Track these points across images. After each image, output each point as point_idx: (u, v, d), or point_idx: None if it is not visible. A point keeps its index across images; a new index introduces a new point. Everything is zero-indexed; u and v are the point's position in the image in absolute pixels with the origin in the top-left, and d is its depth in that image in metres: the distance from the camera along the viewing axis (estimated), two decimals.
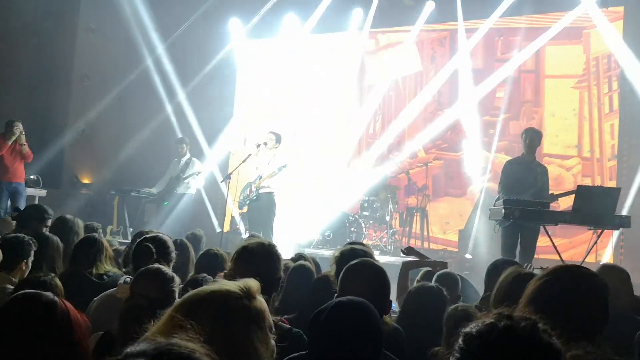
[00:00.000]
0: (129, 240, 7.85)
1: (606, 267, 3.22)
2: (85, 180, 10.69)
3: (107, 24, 10.69)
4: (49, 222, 4.79)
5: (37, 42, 10.21)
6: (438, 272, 3.84)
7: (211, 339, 1.29)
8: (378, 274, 2.44)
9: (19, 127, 7.77)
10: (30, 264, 3.43)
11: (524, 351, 1.13)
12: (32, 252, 3.45)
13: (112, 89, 10.51)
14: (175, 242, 4.36)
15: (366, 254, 2.99)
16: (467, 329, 1.20)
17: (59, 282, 2.71)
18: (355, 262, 2.51)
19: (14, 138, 7.72)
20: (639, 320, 2.94)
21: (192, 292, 1.57)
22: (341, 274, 2.46)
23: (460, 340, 1.19)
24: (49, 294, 1.70)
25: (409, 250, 4.66)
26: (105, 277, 3.59)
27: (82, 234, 4.36)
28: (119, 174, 10.27)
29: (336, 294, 2.36)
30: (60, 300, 1.71)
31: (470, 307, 2.75)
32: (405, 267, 4.20)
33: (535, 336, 1.15)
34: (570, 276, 1.88)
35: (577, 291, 1.82)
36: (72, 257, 3.66)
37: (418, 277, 4.12)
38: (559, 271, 1.91)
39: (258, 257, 2.51)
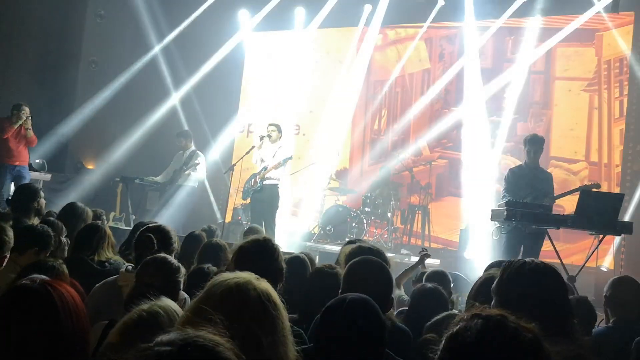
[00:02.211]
0: (131, 227, 7.92)
1: (621, 281, 3.13)
2: (90, 166, 10.73)
3: (117, 11, 10.70)
4: (42, 196, 4.86)
5: (45, 27, 10.22)
6: (428, 272, 3.91)
7: (239, 331, 1.35)
8: (383, 272, 2.47)
9: (25, 112, 7.79)
10: (50, 250, 3.44)
11: (501, 344, 1.20)
12: (52, 242, 3.45)
13: (119, 76, 10.51)
14: (192, 233, 4.43)
15: (372, 251, 2.99)
16: (448, 332, 1.26)
17: (65, 268, 2.73)
18: (360, 259, 2.55)
19: (20, 122, 7.75)
20: None
21: (217, 283, 1.62)
22: (345, 270, 2.50)
23: (443, 342, 1.26)
24: (44, 284, 1.68)
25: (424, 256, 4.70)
26: (107, 264, 3.62)
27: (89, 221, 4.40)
28: (123, 161, 10.30)
29: (340, 290, 2.38)
30: (59, 287, 1.70)
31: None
32: (396, 283, 4.23)
33: (509, 330, 1.21)
34: (523, 272, 1.94)
35: (533, 286, 1.88)
36: (75, 243, 3.69)
37: (414, 279, 4.17)
38: (510, 268, 1.97)
39: (255, 255, 2.54)
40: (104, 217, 5.81)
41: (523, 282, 1.89)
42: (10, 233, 3.29)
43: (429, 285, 3.31)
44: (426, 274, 3.93)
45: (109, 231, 3.80)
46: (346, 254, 3.04)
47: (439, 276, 3.79)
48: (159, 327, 1.63)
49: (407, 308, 3.34)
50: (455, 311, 2.99)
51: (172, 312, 1.83)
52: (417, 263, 4.65)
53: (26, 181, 7.80)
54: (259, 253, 2.57)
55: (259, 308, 1.59)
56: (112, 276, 3.14)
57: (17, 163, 7.87)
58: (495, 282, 1.99)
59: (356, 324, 1.84)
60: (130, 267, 3.13)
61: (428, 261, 4.92)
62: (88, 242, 3.62)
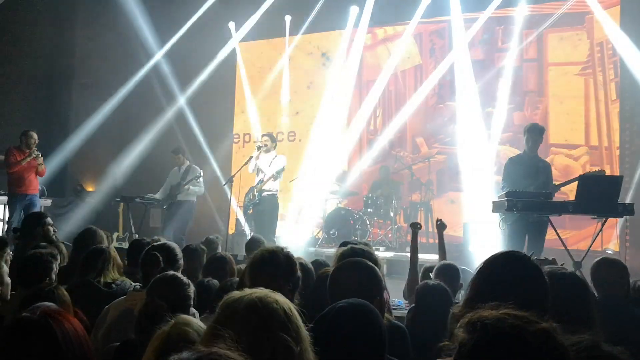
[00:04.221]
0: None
1: (601, 262, 3.31)
2: (90, 189, 10.75)
3: (106, 32, 10.73)
4: (50, 221, 4.91)
5: (37, 52, 10.25)
6: (438, 265, 3.89)
7: (252, 345, 1.35)
8: (366, 274, 2.38)
9: (34, 139, 7.80)
10: (54, 277, 3.46)
11: (510, 345, 1.20)
12: (55, 265, 3.47)
13: (112, 97, 10.55)
14: (189, 247, 4.43)
15: (364, 253, 2.97)
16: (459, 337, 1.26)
17: (64, 292, 2.74)
18: (342, 264, 2.50)
19: (33, 155, 7.78)
20: (632, 309, 3.02)
21: (236, 299, 1.64)
22: (330, 276, 2.43)
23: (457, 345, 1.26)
24: (45, 316, 1.68)
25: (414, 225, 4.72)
26: (113, 285, 3.63)
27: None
28: (122, 181, 10.32)
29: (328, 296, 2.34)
30: (60, 318, 1.70)
31: None
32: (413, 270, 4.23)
33: (524, 333, 1.21)
34: (500, 263, 1.96)
35: (509, 276, 1.91)
36: (82, 267, 3.70)
37: (420, 275, 4.16)
38: (490, 259, 1.99)
39: (271, 266, 2.53)
40: (110, 239, 5.82)
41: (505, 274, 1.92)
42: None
43: (432, 282, 3.31)
44: (436, 267, 3.89)
45: (114, 253, 3.81)
46: (338, 256, 3.02)
47: (449, 270, 3.76)
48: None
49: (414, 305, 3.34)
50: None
51: (199, 328, 1.83)
52: (440, 240, 4.66)
53: (37, 209, 7.84)
54: (272, 265, 2.54)
55: (285, 318, 1.61)
56: (119, 297, 3.15)
57: (28, 192, 7.89)
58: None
59: (344, 332, 1.80)
60: (138, 287, 3.15)
61: (434, 258, 4.91)
62: (94, 264, 3.64)
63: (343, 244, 3.63)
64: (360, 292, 2.19)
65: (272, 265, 2.55)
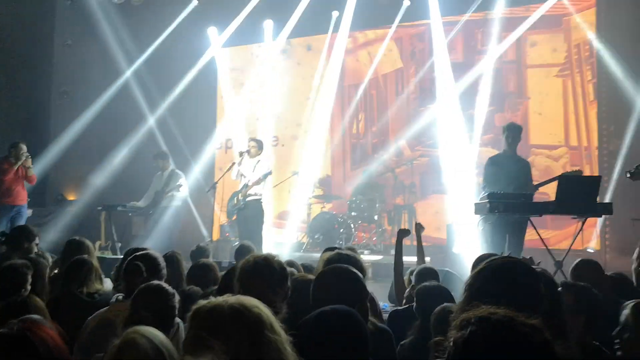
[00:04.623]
0: (118, 255, 7.87)
1: (580, 264, 3.44)
2: (71, 198, 10.64)
3: (84, 39, 10.65)
4: (37, 240, 5.00)
5: (15, 61, 10.14)
6: (417, 269, 3.90)
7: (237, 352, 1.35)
8: (349, 280, 2.39)
9: (23, 150, 7.75)
10: (28, 288, 3.43)
11: (502, 343, 1.23)
12: (29, 277, 3.45)
13: (92, 104, 10.46)
14: (164, 255, 4.38)
15: (350, 259, 2.98)
16: (456, 335, 1.27)
17: (38, 301, 2.71)
18: (326, 270, 2.51)
19: (20, 162, 7.70)
20: (620, 301, 3.07)
21: (210, 307, 1.63)
22: (314, 281, 2.44)
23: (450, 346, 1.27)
24: (23, 329, 1.67)
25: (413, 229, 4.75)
26: (96, 295, 3.62)
27: (93, 255, 4.37)
28: (104, 189, 10.23)
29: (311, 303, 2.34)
30: (37, 331, 1.69)
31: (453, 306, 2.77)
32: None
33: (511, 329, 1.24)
34: (496, 267, 1.98)
35: (504, 280, 1.93)
36: (64, 278, 3.69)
37: (406, 277, 4.17)
38: (487, 264, 2.01)
39: (260, 274, 2.52)
40: (93, 248, 5.78)
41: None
42: None
43: (429, 283, 3.31)
44: (415, 271, 3.90)
45: (96, 263, 3.79)
46: (324, 261, 3.03)
47: (428, 273, 3.77)
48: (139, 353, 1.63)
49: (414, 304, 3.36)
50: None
51: (155, 337, 1.81)
52: (418, 242, 4.67)
53: (24, 219, 7.83)
54: (266, 272, 2.55)
55: (270, 324, 1.61)
56: (102, 308, 3.13)
57: (16, 203, 7.84)
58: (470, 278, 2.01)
59: (326, 337, 1.79)
60: (120, 297, 3.12)
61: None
62: (76, 275, 3.62)
63: (329, 249, 3.63)
64: (343, 297, 2.20)
65: (267, 273, 2.55)
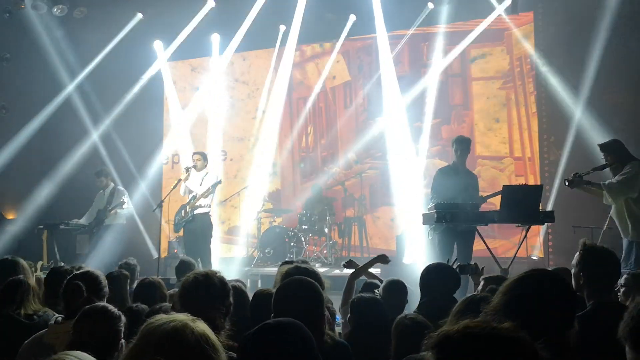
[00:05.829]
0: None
1: (563, 272, 3.28)
2: (10, 216, 10.21)
3: (24, 53, 10.29)
4: None
5: None
6: (386, 283, 3.84)
7: None
8: (311, 291, 2.41)
9: None
10: None
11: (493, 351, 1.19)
12: None
13: (32, 120, 10.11)
14: (111, 274, 4.24)
15: (309, 272, 2.98)
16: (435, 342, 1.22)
17: None
18: (288, 282, 2.50)
19: None
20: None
21: (153, 328, 1.59)
22: (274, 294, 2.43)
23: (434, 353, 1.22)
24: None
25: (349, 264, 4.69)
26: (35, 317, 3.45)
27: (28, 275, 4.16)
28: (45, 207, 9.87)
29: (272, 315, 2.34)
30: None
31: (418, 316, 2.77)
32: (353, 277, 4.21)
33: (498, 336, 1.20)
34: (535, 281, 1.90)
35: (542, 295, 1.83)
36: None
37: (359, 289, 4.16)
38: (524, 276, 1.92)
39: (202, 292, 2.46)
40: (31, 269, 5.52)
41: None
42: None
43: (366, 295, 3.31)
44: (384, 285, 3.83)
45: (33, 283, 3.63)
46: (282, 274, 3.02)
47: (399, 287, 3.69)
48: None
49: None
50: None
51: None
52: (374, 260, 4.58)
53: None
54: (206, 289, 2.48)
55: (198, 351, 1.57)
56: (42, 329, 2.99)
57: None
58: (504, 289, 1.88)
59: (269, 350, 1.75)
60: (59, 319, 2.99)
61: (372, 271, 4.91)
62: (11, 297, 3.45)
63: (287, 262, 3.60)
64: (305, 310, 2.23)
65: (207, 289, 2.49)
